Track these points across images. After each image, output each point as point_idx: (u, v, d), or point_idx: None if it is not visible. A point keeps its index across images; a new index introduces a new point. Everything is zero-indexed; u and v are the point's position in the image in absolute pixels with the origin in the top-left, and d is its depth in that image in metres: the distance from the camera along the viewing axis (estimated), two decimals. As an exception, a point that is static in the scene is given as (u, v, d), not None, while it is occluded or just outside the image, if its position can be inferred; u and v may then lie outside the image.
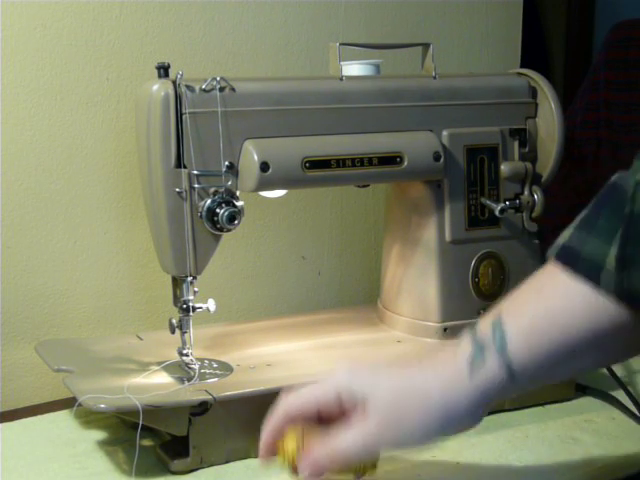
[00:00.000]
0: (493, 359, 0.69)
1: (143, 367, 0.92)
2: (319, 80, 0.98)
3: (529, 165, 1.04)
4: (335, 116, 0.95)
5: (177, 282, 0.92)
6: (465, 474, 0.86)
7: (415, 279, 1.03)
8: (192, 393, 0.86)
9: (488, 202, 1.02)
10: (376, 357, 0.96)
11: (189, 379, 0.89)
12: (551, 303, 0.69)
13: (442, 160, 0.99)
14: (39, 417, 0.98)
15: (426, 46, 1.03)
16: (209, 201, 0.89)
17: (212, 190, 0.89)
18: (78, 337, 1.08)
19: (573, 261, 0.68)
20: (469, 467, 0.87)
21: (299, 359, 0.96)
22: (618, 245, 0.66)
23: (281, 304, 1.23)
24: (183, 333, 0.92)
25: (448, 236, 1.01)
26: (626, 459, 0.89)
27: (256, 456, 0.87)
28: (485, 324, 0.71)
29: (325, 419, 0.73)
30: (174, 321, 0.92)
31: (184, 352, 0.92)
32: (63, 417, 0.97)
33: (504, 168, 1.03)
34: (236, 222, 0.90)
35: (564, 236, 0.70)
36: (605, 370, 1.02)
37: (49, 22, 1.03)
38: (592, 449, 0.91)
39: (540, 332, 0.68)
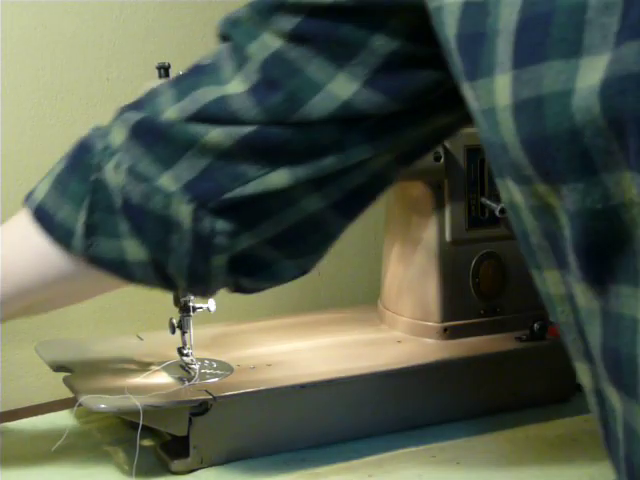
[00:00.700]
0: None
1: (143, 367, 0.92)
2: (319, 80, 0.98)
3: (529, 165, 1.04)
4: (335, 116, 0.95)
5: (177, 282, 0.92)
6: (465, 474, 0.86)
7: (415, 279, 1.03)
8: (192, 393, 0.86)
9: (488, 202, 1.02)
10: (376, 357, 0.96)
11: (189, 379, 0.89)
12: (10, 250, 0.72)
13: (442, 160, 0.98)
14: (39, 417, 0.98)
15: (426, 46, 1.03)
16: (209, 201, 0.89)
17: (212, 190, 0.89)
18: (78, 337, 1.08)
19: (47, 222, 0.70)
20: (469, 467, 0.87)
21: (299, 359, 0.96)
22: (86, 212, 0.68)
23: (281, 304, 1.22)
24: (183, 333, 0.92)
25: (448, 236, 1.01)
26: (626, 459, 0.89)
27: (256, 456, 0.87)
28: None
29: None
30: (174, 321, 0.92)
31: (184, 352, 0.92)
32: (63, 417, 0.97)
33: (504, 168, 1.03)
34: (236, 222, 0.90)
35: (41, 190, 0.71)
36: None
37: (49, 22, 1.03)
38: (592, 449, 0.91)
39: None
